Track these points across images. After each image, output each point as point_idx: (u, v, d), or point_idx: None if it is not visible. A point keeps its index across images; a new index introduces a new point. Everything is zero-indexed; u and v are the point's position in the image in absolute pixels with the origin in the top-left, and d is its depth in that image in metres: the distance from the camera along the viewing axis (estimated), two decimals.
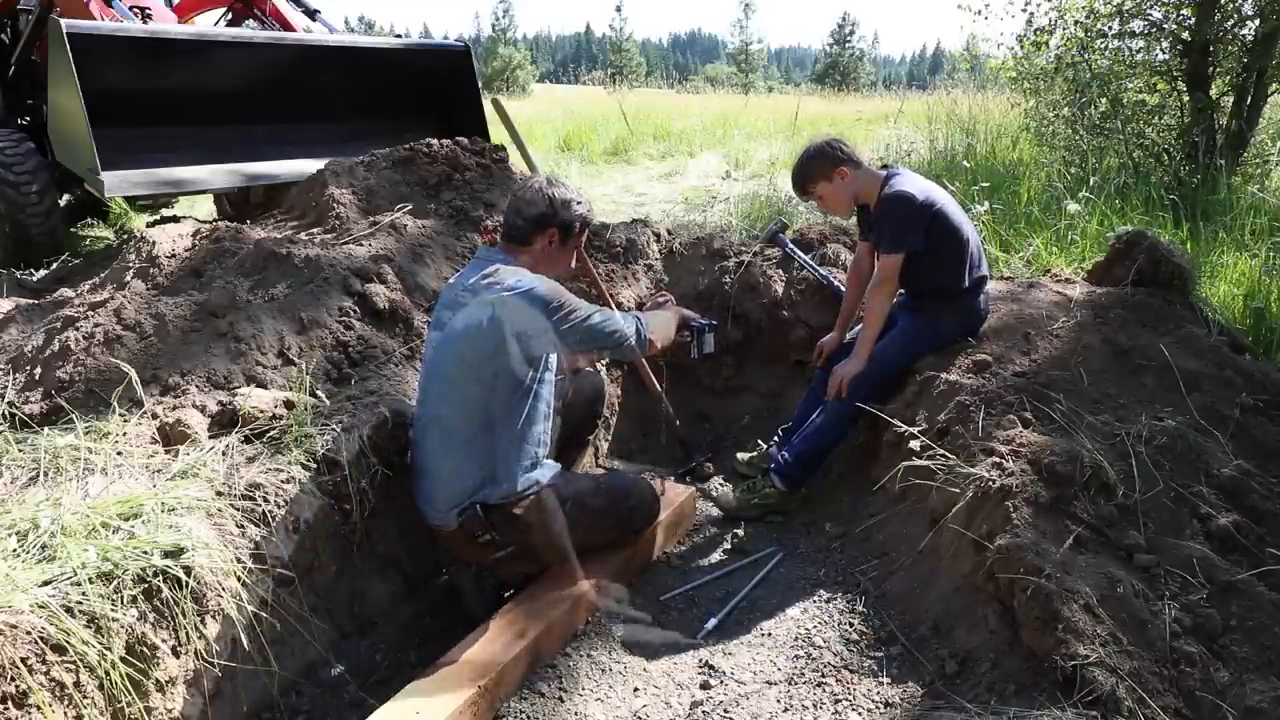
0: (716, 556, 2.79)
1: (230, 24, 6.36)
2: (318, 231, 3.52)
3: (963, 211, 2.91)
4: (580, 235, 2.41)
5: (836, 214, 3.01)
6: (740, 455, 3.36)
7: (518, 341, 2.15)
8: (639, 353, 2.47)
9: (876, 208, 2.86)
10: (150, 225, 5.18)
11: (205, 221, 4.59)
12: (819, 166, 2.85)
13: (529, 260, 2.30)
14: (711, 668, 2.22)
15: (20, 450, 2.07)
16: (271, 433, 2.27)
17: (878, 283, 2.85)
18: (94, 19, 4.90)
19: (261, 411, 2.29)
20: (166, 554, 1.74)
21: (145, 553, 1.71)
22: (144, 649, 1.67)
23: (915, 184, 2.79)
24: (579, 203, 2.35)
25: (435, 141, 3.97)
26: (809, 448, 2.93)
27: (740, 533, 2.89)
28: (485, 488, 2.21)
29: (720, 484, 3.24)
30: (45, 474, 1.98)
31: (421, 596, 2.50)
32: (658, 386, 3.36)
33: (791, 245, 3.71)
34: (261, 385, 2.48)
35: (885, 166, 2.93)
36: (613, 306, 3.21)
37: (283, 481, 2.13)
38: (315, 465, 2.22)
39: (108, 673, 1.57)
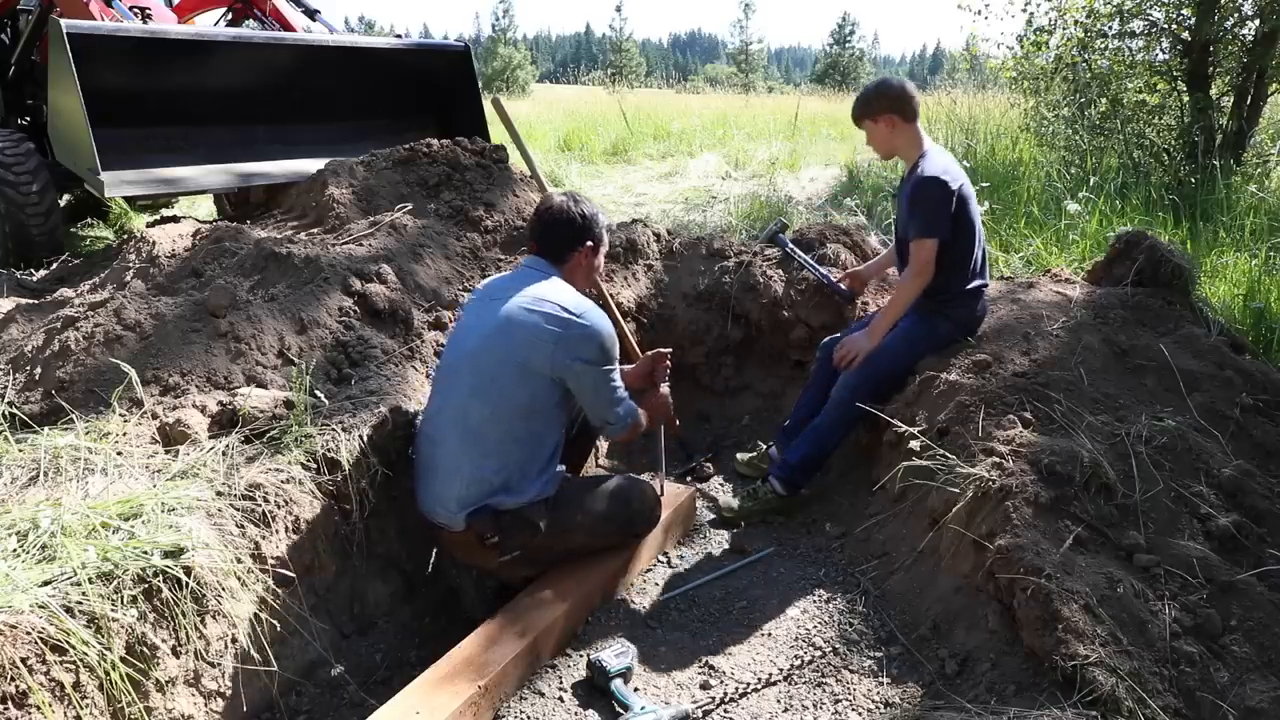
0: (716, 556, 2.79)
1: (230, 24, 6.35)
2: (318, 231, 3.52)
3: (978, 208, 2.92)
4: (605, 246, 2.53)
5: (876, 153, 3.04)
6: (740, 455, 3.37)
7: (557, 363, 2.22)
8: (609, 437, 2.76)
9: (910, 184, 2.84)
10: (150, 225, 5.17)
11: (205, 221, 4.60)
12: (876, 104, 2.84)
13: (568, 273, 2.39)
14: (711, 668, 2.22)
15: (20, 450, 2.06)
16: (271, 433, 2.26)
17: (915, 272, 2.82)
18: (94, 19, 4.90)
19: (261, 411, 2.29)
20: (166, 554, 1.74)
21: (145, 553, 1.71)
22: (144, 649, 1.66)
23: (946, 164, 2.80)
24: (601, 214, 2.49)
25: (435, 141, 3.97)
26: (809, 452, 2.93)
27: (740, 532, 2.88)
28: (500, 494, 2.23)
29: (720, 485, 3.23)
30: (45, 474, 1.98)
31: (421, 596, 2.50)
32: None
33: (791, 245, 3.71)
34: (261, 385, 2.48)
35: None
36: (627, 334, 3.29)
37: (283, 481, 2.13)
38: (315, 465, 2.22)
39: (108, 673, 1.57)
